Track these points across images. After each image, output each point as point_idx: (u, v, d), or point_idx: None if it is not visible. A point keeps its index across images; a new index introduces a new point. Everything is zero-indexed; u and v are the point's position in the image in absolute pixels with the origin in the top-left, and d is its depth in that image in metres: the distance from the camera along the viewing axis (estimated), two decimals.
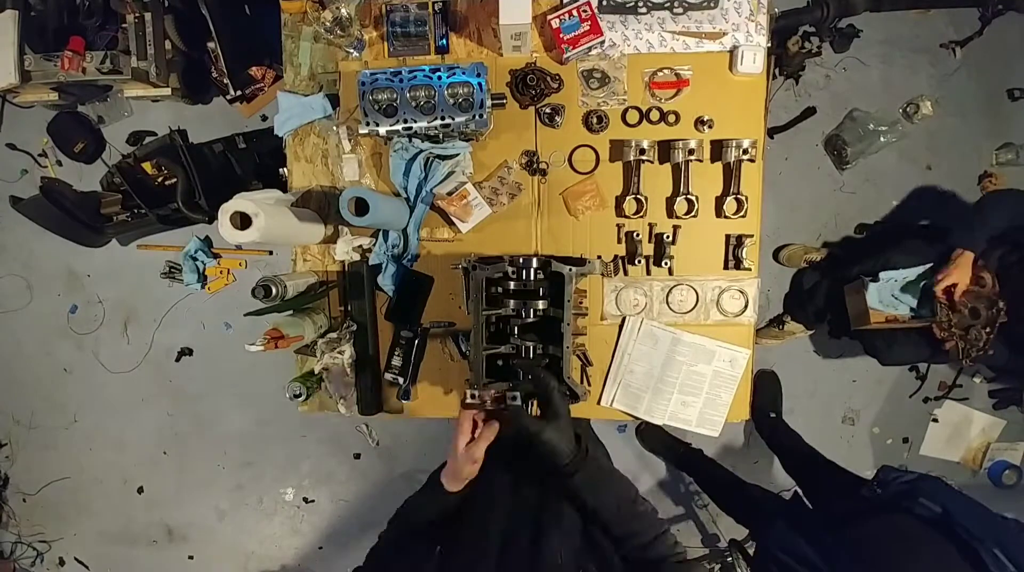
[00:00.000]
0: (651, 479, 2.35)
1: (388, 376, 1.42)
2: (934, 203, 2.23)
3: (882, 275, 1.76)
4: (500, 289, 1.25)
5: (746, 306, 1.37)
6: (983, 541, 1.08)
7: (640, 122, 1.36)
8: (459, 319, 1.41)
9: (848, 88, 2.23)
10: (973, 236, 1.59)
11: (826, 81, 2.23)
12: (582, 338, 1.36)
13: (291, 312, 1.33)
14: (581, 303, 1.34)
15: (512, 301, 1.21)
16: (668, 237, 1.36)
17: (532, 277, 1.23)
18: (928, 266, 1.71)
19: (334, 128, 1.41)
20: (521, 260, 1.22)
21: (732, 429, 2.31)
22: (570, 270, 1.18)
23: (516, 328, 1.26)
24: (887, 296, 1.78)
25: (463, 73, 1.25)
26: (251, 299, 1.26)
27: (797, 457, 1.95)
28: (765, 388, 2.27)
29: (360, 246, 1.39)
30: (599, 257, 1.38)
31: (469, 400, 0.99)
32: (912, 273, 1.74)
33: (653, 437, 2.28)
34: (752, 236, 1.34)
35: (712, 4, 1.31)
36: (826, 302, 2.05)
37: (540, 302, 1.21)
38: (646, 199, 1.35)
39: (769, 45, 1.34)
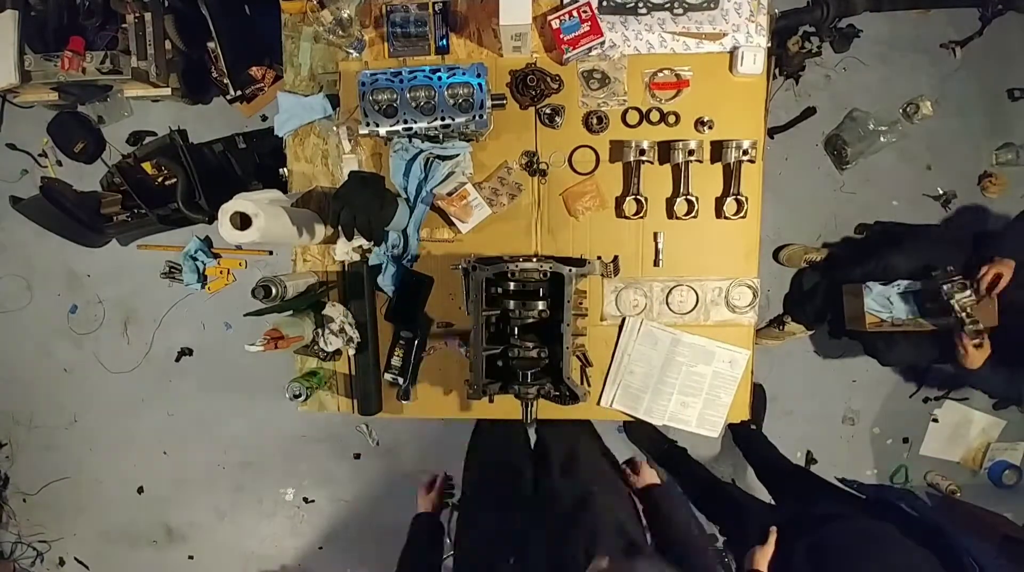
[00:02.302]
0: None
1: (388, 376, 1.42)
2: (934, 205, 2.23)
3: (881, 286, 1.77)
4: (500, 289, 1.25)
5: (754, 296, 1.37)
6: (968, 551, 1.07)
7: (640, 123, 1.36)
8: (459, 319, 1.41)
9: (848, 88, 2.23)
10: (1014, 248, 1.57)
11: (826, 81, 2.23)
12: (582, 338, 1.37)
13: (291, 312, 1.33)
14: (581, 303, 1.34)
15: (512, 301, 1.21)
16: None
17: (532, 278, 1.23)
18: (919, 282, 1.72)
19: (334, 128, 1.41)
20: (521, 260, 1.22)
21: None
22: (570, 271, 1.19)
23: (516, 329, 1.26)
24: (883, 300, 1.78)
25: (463, 73, 1.25)
26: (251, 299, 1.26)
27: (774, 469, 1.95)
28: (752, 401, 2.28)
29: (360, 246, 1.39)
30: (599, 257, 1.38)
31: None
32: (912, 285, 1.74)
33: (640, 430, 2.29)
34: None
35: (712, 5, 1.31)
36: (826, 302, 2.05)
37: (540, 303, 1.21)
38: (646, 200, 1.35)
39: (769, 45, 1.34)
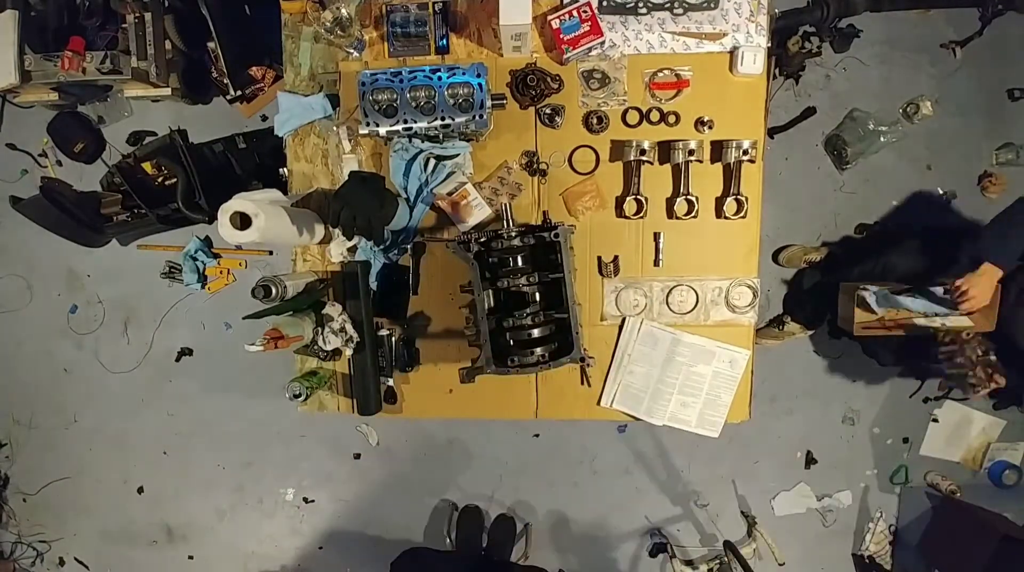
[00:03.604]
0: (649, 479, 2.35)
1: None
2: (935, 204, 2.23)
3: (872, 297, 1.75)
4: (496, 260, 1.24)
5: (754, 296, 1.37)
6: None
7: (640, 123, 1.37)
8: (455, 321, 1.41)
9: (848, 88, 2.22)
10: (1006, 251, 1.47)
11: (826, 81, 2.23)
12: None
13: (291, 312, 1.33)
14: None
15: (509, 273, 1.22)
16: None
17: (522, 242, 1.22)
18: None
19: (334, 128, 1.41)
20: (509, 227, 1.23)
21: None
22: (563, 226, 1.21)
23: (517, 300, 1.26)
24: (885, 301, 1.76)
25: (463, 73, 1.25)
26: (251, 299, 1.26)
27: None
28: (500, 533, 2.26)
29: (355, 246, 1.40)
30: (599, 257, 1.38)
31: None
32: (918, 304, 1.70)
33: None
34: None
35: (712, 5, 1.31)
36: (826, 302, 2.05)
37: (535, 274, 1.22)
38: (646, 200, 1.35)
39: (769, 45, 1.34)
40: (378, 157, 1.42)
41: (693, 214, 1.35)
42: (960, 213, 2.22)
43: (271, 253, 2.42)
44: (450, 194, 1.35)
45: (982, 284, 1.46)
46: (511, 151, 1.39)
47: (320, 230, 1.40)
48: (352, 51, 1.39)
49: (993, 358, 1.50)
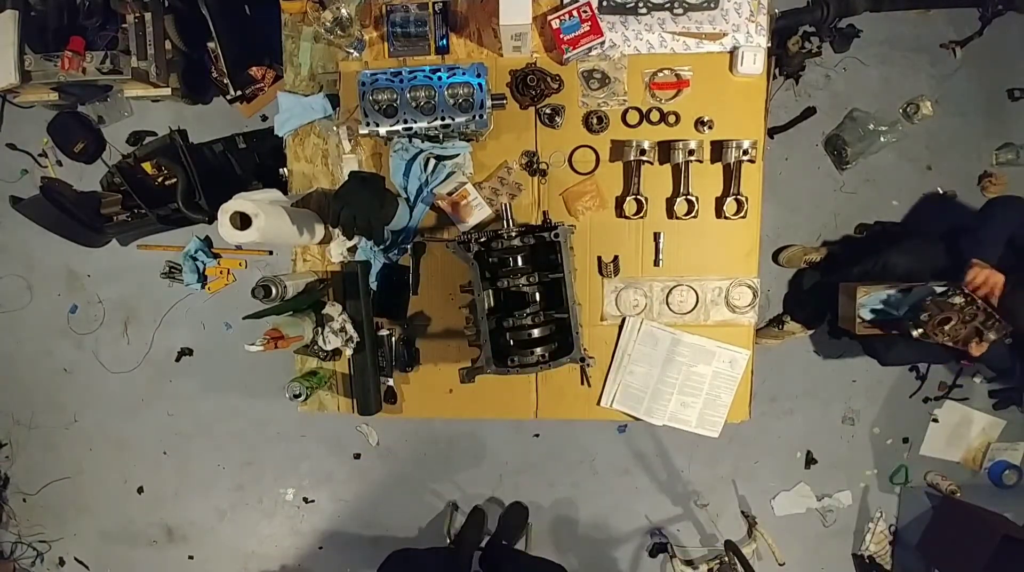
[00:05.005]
0: (649, 479, 2.36)
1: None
2: (935, 204, 2.23)
3: (869, 301, 1.74)
4: (496, 260, 1.25)
5: (754, 296, 1.37)
6: None
7: (640, 123, 1.37)
8: (455, 321, 1.41)
9: (848, 88, 2.23)
10: (984, 245, 1.54)
11: (826, 81, 2.23)
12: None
13: (291, 312, 1.33)
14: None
15: (509, 273, 1.22)
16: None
17: (522, 242, 1.23)
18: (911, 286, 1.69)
19: (334, 128, 1.41)
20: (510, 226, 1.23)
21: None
22: (563, 226, 1.21)
23: (517, 300, 1.26)
24: (877, 306, 1.76)
25: (463, 73, 1.25)
26: (251, 299, 1.26)
27: None
28: (512, 517, 2.28)
29: (355, 246, 1.40)
30: (599, 257, 1.38)
31: None
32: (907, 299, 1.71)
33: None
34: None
35: (712, 5, 1.31)
36: (826, 302, 2.05)
37: (535, 274, 1.22)
38: (646, 200, 1.35)
39: (769, 45, 1.34)
40: (378, 157, 1.42)
41: (693, 214, 1.35)
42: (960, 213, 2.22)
43: (271, 253, 2.42)
44: (450, 194, 1.35)
45: (981, 273, 1.50)
46: (511, 151, 1.39)
47: (320, 230, 1.40)
48: (352, 51, 1.39)
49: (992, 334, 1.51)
